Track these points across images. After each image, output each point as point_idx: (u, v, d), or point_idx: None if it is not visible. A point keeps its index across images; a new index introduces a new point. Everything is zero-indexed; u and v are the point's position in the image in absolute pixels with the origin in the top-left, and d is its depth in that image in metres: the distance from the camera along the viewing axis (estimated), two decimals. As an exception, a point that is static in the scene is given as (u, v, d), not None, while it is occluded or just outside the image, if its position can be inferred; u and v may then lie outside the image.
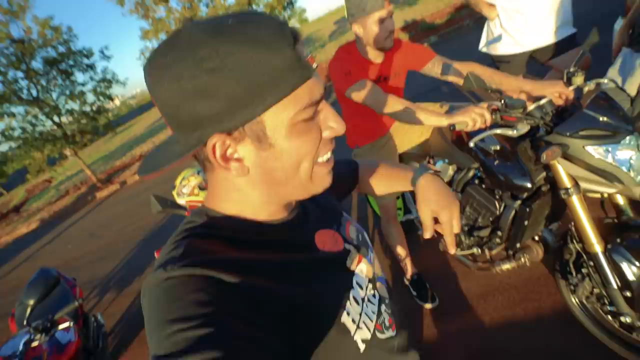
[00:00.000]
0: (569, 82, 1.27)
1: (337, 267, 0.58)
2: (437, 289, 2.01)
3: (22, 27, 9.75)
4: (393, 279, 2.26)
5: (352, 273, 0.58)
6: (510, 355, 1.57)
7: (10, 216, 12.85)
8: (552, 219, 1.49)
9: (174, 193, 2.06)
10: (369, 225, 2.91)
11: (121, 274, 4.26)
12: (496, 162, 1.42)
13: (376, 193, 0.88)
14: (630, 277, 1.17)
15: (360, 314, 0.54)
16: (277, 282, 0.48)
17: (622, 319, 1.21)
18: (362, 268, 0.61)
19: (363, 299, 0.57)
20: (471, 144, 1.28)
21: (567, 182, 1.21)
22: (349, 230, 0.65)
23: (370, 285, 0.60)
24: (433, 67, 1.66)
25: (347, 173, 0.85)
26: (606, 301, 1.28)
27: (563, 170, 1.20)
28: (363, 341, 0.52)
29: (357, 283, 0.58)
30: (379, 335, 0.56)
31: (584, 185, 1.19)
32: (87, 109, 10.92)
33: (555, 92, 1.27)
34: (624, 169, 1.08)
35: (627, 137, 1.09)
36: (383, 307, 0.60)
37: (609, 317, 1.32)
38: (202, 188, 2.02)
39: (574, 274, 1.37)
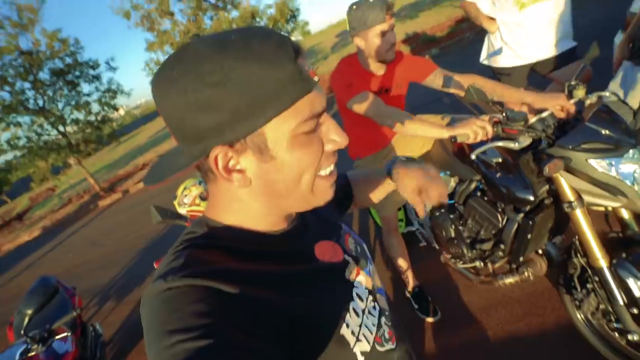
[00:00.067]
0: (570, 95, 1.27)
1: (337, 278, 0.58)
2: (438, 302, 1.98)
3: (31, 39, 9.99)
4: (394, 292, 2.23)
5: (352, 284, 0.58)
6: (515, 371, 1.54)
7: (13, 224, 12.89)
8: (555, 232, 1.47)
9: (176, 203, 2.06)
10: (370, 236, 2.89)
11: (121, 283, 4.24)
12: (498, 175, 1.41)
13: (373, 201, 0.88)
14: (637, 293, 1.15)
15: (360, 326, 0.54)
16: (278, 293, 0.47)
17: (630, 336, 1.18)
18: (362, 280, 0.60)
19: (363, 311, 0.56)
20: (473, 156, 1.28)
21: (570, 195, 1.20)
22: (348, 242, 0.65)
23: (371, 297, 0.60)
24: (434, 79, 1.67)
25: (340, 185, 0.85)
26: (612, 317, 1.25)
27: (566, 184, 1.19)
28: (362, 354, 0.52)
29: (357, 295, 0.57)
30: (378, 348, 0.56)
31: (587, 198, 1.17)
32: (92, 118, 11.07)
33: (557, 105, 1.26)
34: (628, 182, 1.07)
35: (631, 151, 1.08)
36: (383, 319, 0.60)
37: (616, 334, 1.28)
38: (203, 198, 2.03)
39: (578, 288, 1.35)
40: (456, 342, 1.79)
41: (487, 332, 1.75)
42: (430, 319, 1.91)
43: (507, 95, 1.48)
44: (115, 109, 11.87)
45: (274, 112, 0.43)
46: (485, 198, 1.55)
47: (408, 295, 2.03)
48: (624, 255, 1.19)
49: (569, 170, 1.16)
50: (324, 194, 0.52)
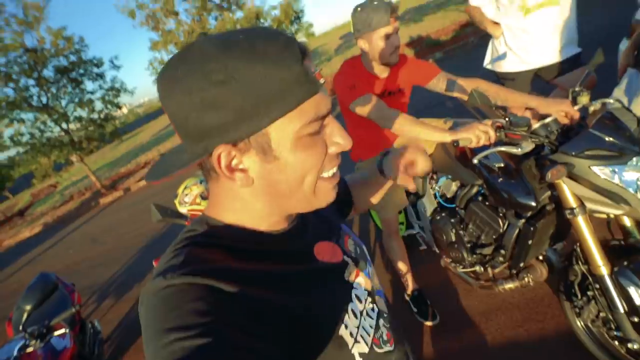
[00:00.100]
0: (574, 102, 1.26)
1: (336, 279, 0.58)
2: (438, 305, 1.97)
3: (36, 37, 10.03)
4: (393, 295, 2.22)
5: (351, 285, 0.58)
6: (514, 378, 1.53)
7: (14, 220, 12.94)
8: (556, 238, 1.46)
9: (176, 202, 2.06)
10: (370, 238, 2.89)
11: (121, 280, 4.25)
12: (500, 180, 1.41)
13: (372, 203, 0.88)
14: (638, 301, 1.14)
15: (358, 328, 0.54)
16: (277, 293, 0.47)
17: (630, 345, 1.17)
18: (361, 281, 0.60)
19: (361, 313, 0.56)
20: (475, 161, 1.27)
21: (572, 202, 1.19)
22: (348, 243, 0.65)
23: (369, 299, 0.60)
24: (438, 83, 1.67)
25: (340, 189, 0.85)
26: (612, 325, 1.24)
27: (568, 190, 1.19)
28: (360, 355, 0.52)
29: (356, 296, 0.57)
30: (376, 349, 0.55)
31: (589, 205, 1.17)
32: (95, 116, 11.10)
33: (561, 111, 1.26)
34: (631, 190, 1.07)
35: (634, 158, 1.07)
36: (381, 321, 0.60)
37: (616, 342, 1.28)
38: (204, 197, 2.03)
39: (579, 296, 1.34)
40: (455, 347, 1.78)
41: (486, 337, 1.74)
42: (429, 323, 1.90)
43: (511, 99, 1.48)
44: (119, 107, 11.90)
45: (279, 113, 0.43)
46: (487, 203, 1.55)
47: (407, 298, 2.03)
48: (625, 263, 1.18)
49: (572, 176, 1.16)
50: (326, 195, 0.52)
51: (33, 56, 9.64)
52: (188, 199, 2.04)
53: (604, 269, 1.19)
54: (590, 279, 1.26)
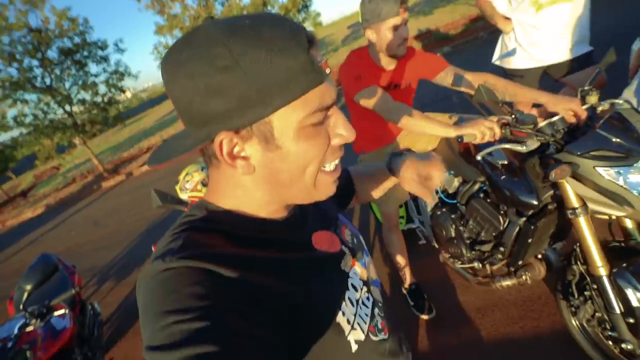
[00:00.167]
0: (583, 101, 1.25)
1: (333, 268, 0.58)
2: (435, 300, 1.98)
3: (41, 17, 9.92)
4: (391, 287, 2.24)
5: (347, 274, 0.59)
6: (507, 373, 1.54)
7: (17, 200, 13.04)
8: (556, 238, 1.46)
9: (177, 188, 2.07)
10: (370, 231, 2.90)
11: (122, 264, 4.29)
12: (503, 177, 1.40)
13: (374, 197, 0.89)
14: (635, 303, 1.14)
15: (355, 315, 0.54)
16: (277, 280, 0.48)
17: (624, 345, 1.18)
18: (357, 270, 0.61)
19: (357, 301, 0.57)
20: (478, 157, 1.26)
21: (575, 202, 1.18)
22: (345, 234, 0.66)
23: (365, 288, 0.60)
24: (445, 77, 1.64)
25: (342, 180, 0.85)
26: (608, 326, 1.25)
27: (571, 190, 1.18)
28: (356, 342, 0.52)
29: (352, 285, 0.58)
30: (372, 337, 0.56)
31: (592, 206, 1.16)
32: (99, 99, 11.06)
33: (569, 109, 1.24)
34: (635, 192, 1.06)
35: (640, 161, 1.06)
36: (376, 310, 0.61)
37: (610, 342, 1.29)
38: (205, 184, 2.03)
39: (576, 295, 1.34)
40: (450, 341, 1.79)
41: (481, 333, 1.75)
42: (425, 317, 1.92)
43: (519, 94, 1.45)
44: (122, 91, 11.84)
45: (283, 101, 0.42)
46: (488, 200, 1.54)
47: (404, 291, 2.04)
48: (624, 265, 1.18)
49: (576, 176, 1.15)
50: (326, 189, 0.52)
51: (37, 36, 9.57)
52: (189, 185, 2.04)
53: (602, 270, 1.19)
54: (589, 279, 1.26)
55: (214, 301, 0.40)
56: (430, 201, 0.72)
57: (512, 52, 2.19)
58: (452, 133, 1.29)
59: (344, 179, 0.85)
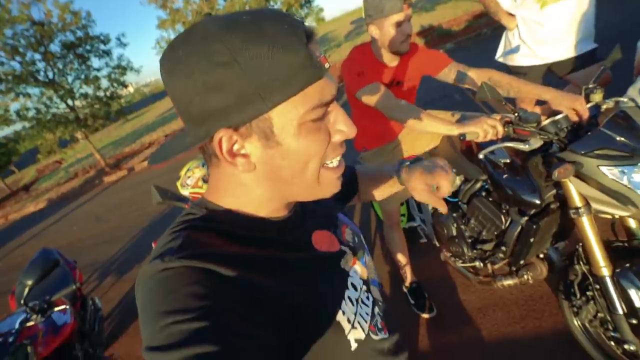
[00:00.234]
0: (587, 99, 1.23)
1: (334, 267, 0.58)
2: (435, 299, 1.98)
3: (43, 10, 9.91)
4: (392, 286, 2.23)
5: (347, 274, 0.58)
6: (507, 372, 1.54)
7: (19, 194, 13.10)
8: (559, 237, 1.45)
9: (178, 184, 2.06)
10: (371, 229, 2.89)
11: (123, 259, 4.31)
12: (505, 176, 1.39)
13: (376, 199, 0.88)
14: (638, 304, 1.13)
15: (355, 314, 0.54)
16: (277, 279, 0.47)
17: (626, 346, 1.17)
18: (357, 269, 0.61)
19: (357, 300, 0.57)
20: (481, 156, 1.25)
21: (578, 201, 1.17)
22: (345, 233, 0.65)
23: (365, 287, 0.60)
24: (449, 74, 1.63)
25: (347, 177, 0.84)
26: (610, 326, 1.24)
27: (575, 189, 1.17)
28: (356, 341, 0.52)
29: (352, 284, 0.58)
30: (372, 336, 0.56)
31: (595, 206, 1.15)
32: (101, 94, 11.07)
33: (573, 107, 1.22)
34: (639, 192, 1.04)
35: (645, 160, 1.05)
36: (376, 309, 0.60)
37: (612, 343, 1.28)
38: (206, 181, 2.02)
39: (578, 295, 1.33)
40: (450, 340, 1.79)
41: (482, 332, 1.75)
42: (425, 315, 1.91)
43: (524, 90, 1.42)
44: (125, 85, 11.85)
45: (282, 97, 0.42)
46: (490, 199, 1.53)
47: (405, 290, 2.04)
48: (627, 265, 1.17)
49: (579, 176, 1.13)
50: (331, 186, 0.52)
51: (40, 30, 9.56)
52: (190, 181, 2.03)
53: (605, 270, 1.18)
54: (591, 279, 1.25)
55: (213, 301, 0.40)
56: (443, 210, 0.71)
57: (515, 49, 2.16)
58: (455, 131, 1.28)
59: (349, 175, 0.84)
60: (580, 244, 1.26)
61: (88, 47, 10.65)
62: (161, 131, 13.71)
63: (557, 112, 1.23)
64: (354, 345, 0.52)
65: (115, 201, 7.39)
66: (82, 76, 10.70)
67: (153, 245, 1.96)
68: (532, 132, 1.18)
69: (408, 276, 2.01)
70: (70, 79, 10.58)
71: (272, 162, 0.46)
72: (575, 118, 1.23)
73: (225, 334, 0.38)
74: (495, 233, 1.52)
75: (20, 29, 9.44)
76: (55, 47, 10.15)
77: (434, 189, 0.70)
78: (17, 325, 1.79)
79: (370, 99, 1.47)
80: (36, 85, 10.02)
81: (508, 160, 1.39)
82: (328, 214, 0.66)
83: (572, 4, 1.88)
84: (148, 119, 22.44)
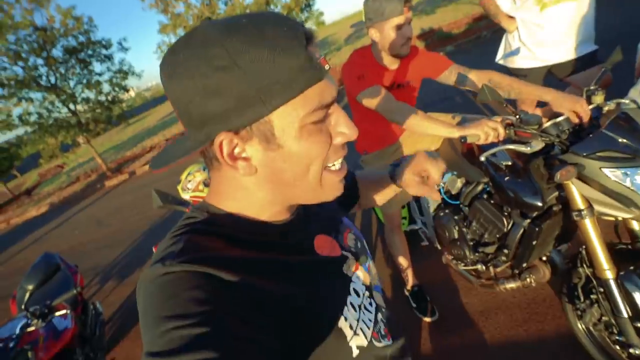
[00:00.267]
0: (588, 101, 1.23)
1: (336, 272, 0.57)
2: (437, 302, 1.97)
3: (46, 15, 10.03)
4: (393, 289, 2.22)
5: (350, 279, 0.58)
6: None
7: (22, 198, 13.13)
8: (561, 240, 1.44)
9: (179, 188, 2.06)
10: (372, 232, 2.88)
11: (124, 263, 4.30)
12: (507, 178, 1.38)
13: (377, 204, 0.88)
14: (643, 307, 1.12)
15: (358, 321, 0.54)
16: (279, 283, 0.47)
17: (632, 350, 1.16)
18: (360, 275, 0.60)
19: (360, 306, 0.56)
20: (482, 158, 1.24)
21: (580, 204, 1.16)
22: (347, 238, 0.65)
23: (367, 293, 0.60)
24: (450, 76, 1.62)
25: (348, 183, 0.84)
26: (615, 330, 1.23)
27: (577, 192, 1.16)
28: (358, 347, 0.52)
29: (354, 290, 0.57)
30: (375, 343, 0.56)
31: (598, 208, 1.14)
32: (103, 98, 11.13)
33: (575, 109, 1.21)
34: (642, 194, 1.04)
35: (648, 161, 1.04)
36: (379, 315, 0.60)
37: (617, 347, 1.26)
38: (206, 184, 2.02)
39: (582, 299, 1.32)
40: (453, 343, 1.78)
41: (484, 336, 1.73)
42: (427, 319, 1.90)
43: (525, 92, 1.42)
44: (126, 90, 11.90)
45: (282, 100, 0.42)
46: (492, 201, 1.53)
47: (407, 293, 2.02)
48: (632, 267, 1.16)
49: (581, 178, 1.13)
50: (333, 188, 0.51)
51: (42, 35, 9.63)
52: (191, 185, 2.03)
53: (609, 273, 1.17)
54: (595, 282, 1.24)
55: (214, 306, 0.40)
56: (435, 198, 0.71)
57: (516, 52, 2.16)
58: (456, 133, 1.28)
59: (350, 181, 0.84)
60: (584, 247, 1.26)
61: (90, 52, 10.73)
62: (162, 135, 13.75)
63: (559, 114, 1.23)
64: (355, 352, 0.51)
65: (117, 205, 7.40)
66: (84, 81, 10.77)
67: (154, 249, 1.96)
68: (534, 134, 1.17)
69: (410, 279, 2.00)
70: (72, 83, 10.65)
71: (273, 165, 0.46)
72: (576, 120, 1.23)
73: (226, 339, 0.37)
74: (497, 236, 1.51)
75: (23, 34, 9.53)
76: (57, 52, 10.24)
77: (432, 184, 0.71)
78: (17, 331, 1.78)
79: (370, 102, 1.47)
80: (38, 90, 10.08)
81: (509, 163, 1.39)
82: (331, 218, 0.66)
83: (571, 6, 1.88)
84: (149, 123, 22.52)
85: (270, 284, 0.46)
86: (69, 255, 2.99)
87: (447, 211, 1.73)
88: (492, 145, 1.25)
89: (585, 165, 1.09)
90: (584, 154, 1.09)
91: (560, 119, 1.19)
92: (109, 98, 11.22)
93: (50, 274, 2.22)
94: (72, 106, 10.50)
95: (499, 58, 2.34)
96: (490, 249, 1.56)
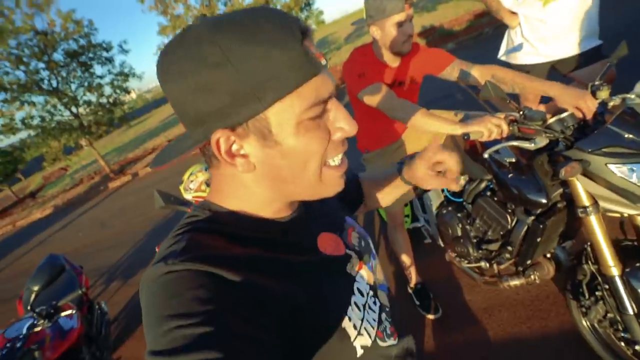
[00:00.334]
0: (593, 96, 1.21)
1: (339, 271, 0.57)
2: (441, 299, 1.96)
3: (46, 19, 10.11)
4: (396, 287, 2.22)
5: (354, 278, 0.57)
6: (516, 373, 1.52)
7: (26, 201, 13.22)
8: (566, 236, 1.43)
9: (181, 188, 2.06)
10: (375, 230, 2.88)
11: (128, 263, 4.33)
12: (510, 175, 1.37)
13: (382, 205, 0.87)
14: (649, 303, 1.11)
15: (362, 320, 0.53)
16: (281, 282, 0.47)
17: (637, 347, 1.15)
18: (364, 274, 0.60)
19: (364, 306, 0.56)
20: (485, 155, 1.24)
21: (585, 200, 1.16)
22: (351, 237, 0.64)
23: (371, 292, 0.59)
24: (452, 72, 1.61)
25: (352, 185, 0.83)
26: (620, 327, 1.22)
27: (582, 188, 1.15)
28: (362, 347, 0.51)
29: (358, 289, 0.57)
30: (380, 342, 0.55)
31: (603, 204, 1.13)
32: (104, 101, 11.19)
33: (580, 104, 1.19)
34: (648, 189, 1.03)
35: (654, 157, 1.03)
36: (384, 315, 0.59)
37: (622, 343, 1.26)
38: (209, 184, 2.02)
39: (586, 295, 1.31)
40: (456, 341, 1.78)
41: (488, 333, 1.73)
42: (431, 316, 1.90)
43: (529, 86, 1.40)
44: (127, 92, 11.96)
45: (277, 95, 0.41)
46: (495, 198, 1.52)
47: (410, 291, 2.02)
48: (637, 264, 1.15)
49: (586, 174, 1.12)
50: (334, 184, 0.51)
51: (43, 39, 9.68)
52: (193, 185, 2.03)
53: (614, 270, 1.16)
54: (600, 279, 1.23)
55: (216, 305, 0.39)
56: (455, 188, 0.70)
57: (518, 47, 2.15)
58: (458, 130, 1.27)
59: (354, 184, 0.83)
60: (589, 243, 1.25)
61: (91, 55, 10.79)
62: (164, 136, 13.79)
63: (563, 110, 1.22)
64: (359, 352, 0.51)
65: (120, 206, 7.44)
66: (85, 84, 10.83)
67: (157, 249, 1.97)
68: (538, 131, 1.16)
69: (413, 277, 1.99)
70: (73, 86, 10.71)
71: (271, 162, 0.46)
72: (581, 115, 1.22)
73: (228, 338, 0.37)
74: (501, 233, 1.50)
75: (24, 38, 9.60)
76: (58, 56, 10.30)
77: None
78: (24, 331, 1.80)
79: (372, 100, 1.46)
80: (40, 93, 10.14)
81: (513, 160, 1.38)
82: (335, 216, 0.65)
83: (574, 1, 1.86)
84: (151, 124, 22.58)
85: (272, 282, 0.46)
86: (74, 257, 3.01)
87: (450, 209, 1.73)
88: (496, 142, 1.24)
89: (591, 161, 1.08)
90: (589, 150, 1.08)
91: (564, 114, 1.18)
92: (111, 100, 11.27)
93: (56, 275, 2.24)
94: (74, 109, 10.56)
95: (501, 54, 2.33)
96: (493, 246, 1.56)
